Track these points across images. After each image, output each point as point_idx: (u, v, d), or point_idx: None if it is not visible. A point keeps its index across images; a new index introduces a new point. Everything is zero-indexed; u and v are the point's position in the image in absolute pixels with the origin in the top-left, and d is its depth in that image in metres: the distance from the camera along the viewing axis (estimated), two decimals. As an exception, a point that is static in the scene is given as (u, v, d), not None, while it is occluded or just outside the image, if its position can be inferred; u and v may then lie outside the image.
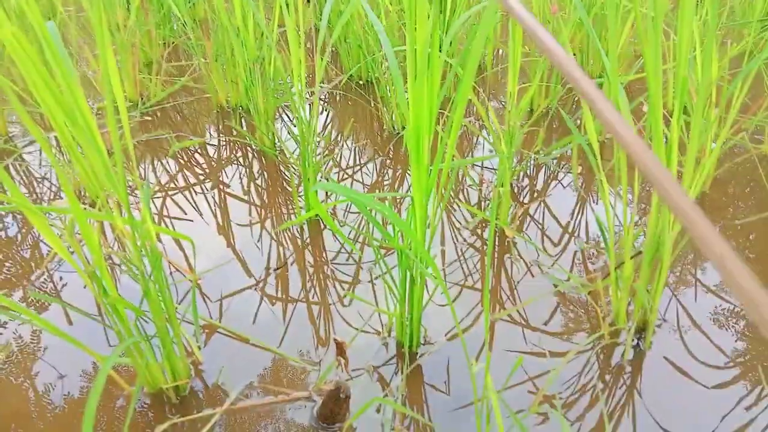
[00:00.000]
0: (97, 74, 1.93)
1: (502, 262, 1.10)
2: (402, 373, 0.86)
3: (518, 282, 1.05)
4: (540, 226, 1.19)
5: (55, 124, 0.65)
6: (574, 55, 1.80)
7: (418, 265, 0.80)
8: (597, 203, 1.26)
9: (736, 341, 0.91)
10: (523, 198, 1.28)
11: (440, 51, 0.72)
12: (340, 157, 1.48)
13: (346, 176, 1.40)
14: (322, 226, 1.21)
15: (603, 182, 0.89)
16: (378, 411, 0.81)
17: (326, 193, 1.35)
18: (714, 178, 1.32)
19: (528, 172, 1.39)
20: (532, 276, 1.06)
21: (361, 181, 1.38)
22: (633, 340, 0.91)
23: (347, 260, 1.11)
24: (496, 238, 1.16)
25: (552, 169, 1.40)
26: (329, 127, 1.65)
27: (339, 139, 1.58)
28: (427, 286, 1.04)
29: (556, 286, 1.02)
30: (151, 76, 1.88)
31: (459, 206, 1.25)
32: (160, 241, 1.19)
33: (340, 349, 0.77)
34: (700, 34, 1.17)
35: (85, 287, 1.07)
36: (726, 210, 1.22)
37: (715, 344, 0.90)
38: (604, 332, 0.91)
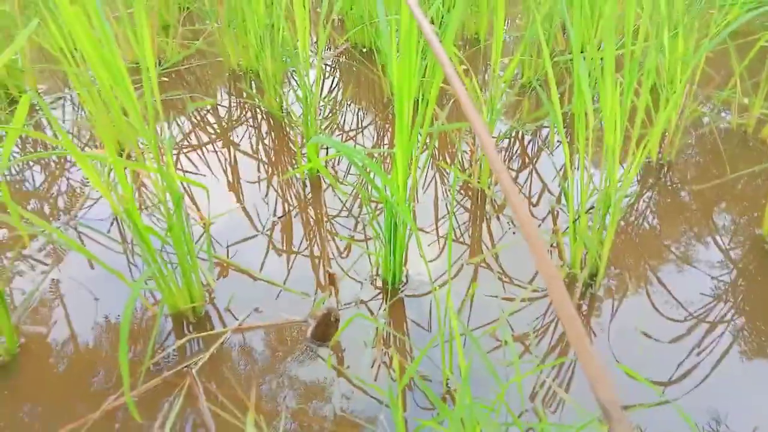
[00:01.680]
0: (118, 37, 2.04)
1: (484, 220, 1.23)
2: (386, 303, 1.01)
3: (500, 238, 1.18)
4: (520, 188, 1.32)
5: (101, 82, 0.78)
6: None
7: (400, 213, 0.93)
8: (575, 169, 1.39)
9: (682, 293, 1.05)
10: (508, 164, 1.41)
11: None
12: (343, 121, 1.60)
13: (347, 138, 1.53)
14: (324, 187, 1.34)
15: (566, 150, 1.02)
16: (367, 345, 0.96)
17: (326, 152, 1.48)
18: (678, 149, 1.43)
19: (519, 139, 1.51)
20: (513, 234, 1.19)
21: (362, 143, 1.50)
22: (586, 283, 1.05)
23: (347, 216, 1.25)
24: (479, 200, 1.29)
25: (537, 136, 1.52)
26: (333, 92, 1.77)
27: (342, 103, 1.70)
28: (418, 239, 1.17)
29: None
30: (168, 39, 2.00)
31: (451, 171, 1.38)
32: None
33: (332, 280, 0.91)
34: (680, 13, 1.27)
35: (110, 228, 1.21)
36: (687, 176, 1.34)
37: (668, 289, 1.04)
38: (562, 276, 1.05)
